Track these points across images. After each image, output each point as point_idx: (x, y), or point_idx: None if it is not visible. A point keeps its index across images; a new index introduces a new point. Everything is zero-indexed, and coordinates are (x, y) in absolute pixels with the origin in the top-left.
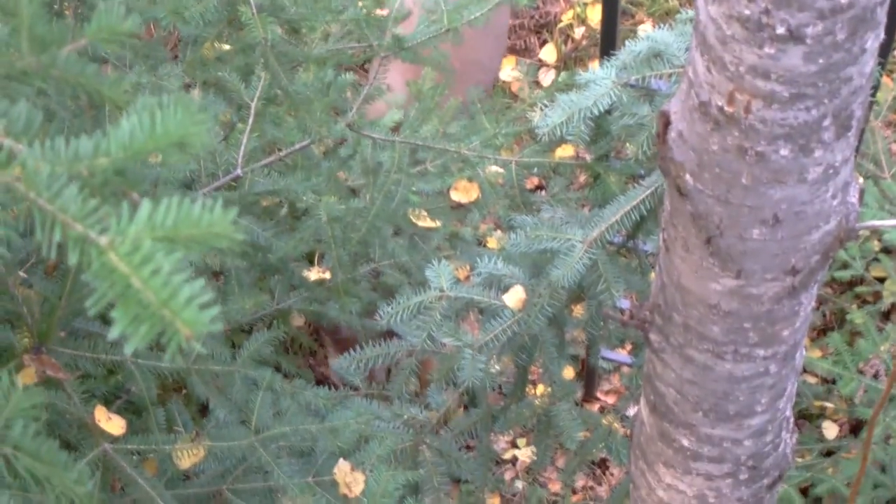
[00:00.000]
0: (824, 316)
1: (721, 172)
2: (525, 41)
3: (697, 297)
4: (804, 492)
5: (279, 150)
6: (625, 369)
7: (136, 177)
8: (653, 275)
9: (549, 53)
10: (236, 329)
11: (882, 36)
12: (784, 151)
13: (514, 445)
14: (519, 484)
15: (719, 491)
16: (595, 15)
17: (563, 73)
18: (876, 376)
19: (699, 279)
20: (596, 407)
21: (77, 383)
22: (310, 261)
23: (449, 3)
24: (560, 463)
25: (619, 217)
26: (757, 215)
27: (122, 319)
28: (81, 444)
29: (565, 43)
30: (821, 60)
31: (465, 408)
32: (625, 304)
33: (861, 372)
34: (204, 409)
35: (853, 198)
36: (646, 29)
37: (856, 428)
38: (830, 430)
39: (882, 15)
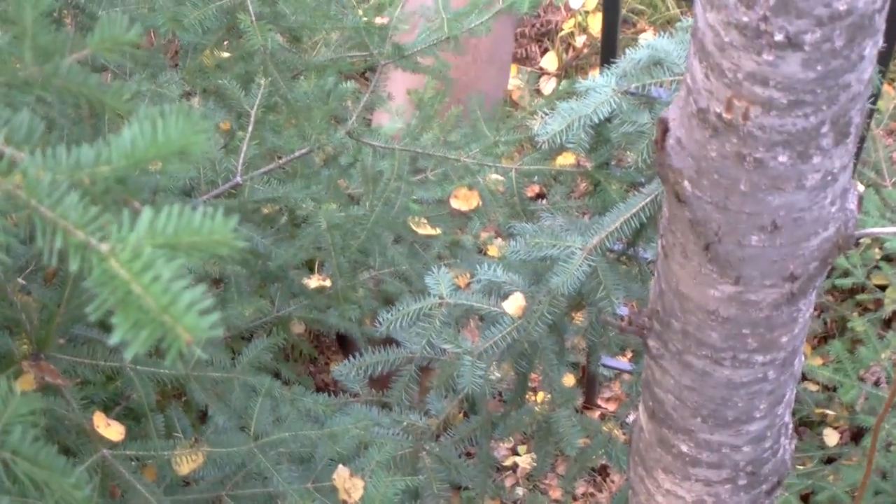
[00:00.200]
0: (825, 323)
1: (719, 179)
2: (526, 49)
3: (696, 304)
4: (805, 499)
5: (279, 157)
6: (625, 376)
7: (136, 185)
8: (652, 282)
9: (550, 62)
10: (236, 336)
11: (881, 43)
12: (782, 158)
13: (515, 452)
14: (519, 491)
15: (718, 496)
16: (596, 24)
17: (563, 82)
18: (877, 384)
19: (698, 285)
20: (597, 414)
21: (76, 389)
22: (310, 268)
23: (450, 12)
24: (560, 470)
25: (618, 224)
26: (755, 222)
27: (123, 325)
28: (80, 450)
29: (566, 51)
30: (819, 67)
31: (465, 414)
32: (624, 311)
33: (862, 379)
34: (203, 416)
35: (852, 204)
36: (647, 37)
37: (857, 435)
38: (831, 437)
39: (880, 22)
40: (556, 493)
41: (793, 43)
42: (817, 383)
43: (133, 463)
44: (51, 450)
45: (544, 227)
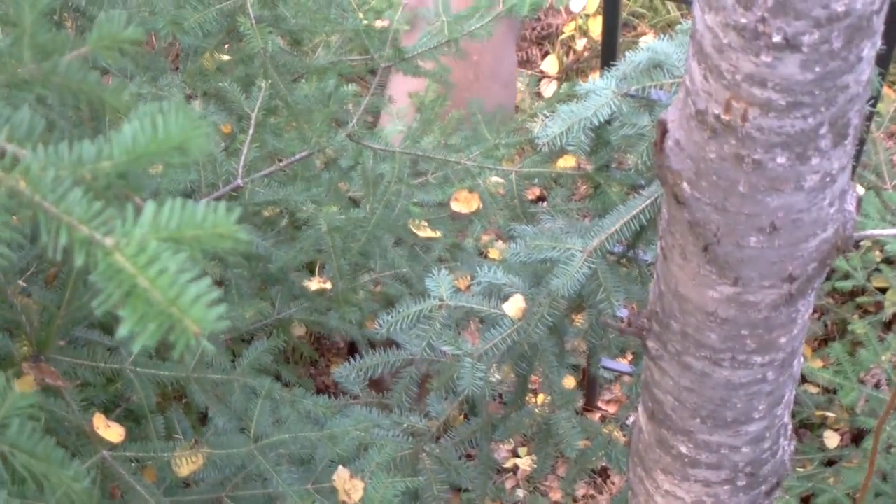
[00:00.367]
0: (826, 326)
1: (718, 180)
2: (527, 53)
3: (695, 305)
4: (805, 501)
5: (280, 160)
6: (625, 378)
7: (138, 180)
8: (651, 283)
9: (550, 65)
10: (237, 338)
11: (879, 45)
12: (781, 159)
13: (515, 454)
14: (520, 492)
15: (717, 497)
16: (596, 27)
17: (564, 85)
18: (877, 386)
19: (697, 287)
20: (597, 416)
21: (76, 391)
22: (310, 271)
23: (450, 15)
24: (561, 471)
25: (618, 227)
26: (754, 223)
27: (130, 319)
28: (80, 451)
29: (567, 54)
30: (817, 69)
31: (466, 416)
32: (624, 313)
33: (862, 382)
34: (203, 418)
35: (850, 206)
36: (647, 40)
37: (857, 437)
38: (831, 439)
39: (879, 24)
40: (556, 495)
41: (791, 44)
42: (817, 385)
43: (133, 464)
44: (49, 442)
45: (544, 230)
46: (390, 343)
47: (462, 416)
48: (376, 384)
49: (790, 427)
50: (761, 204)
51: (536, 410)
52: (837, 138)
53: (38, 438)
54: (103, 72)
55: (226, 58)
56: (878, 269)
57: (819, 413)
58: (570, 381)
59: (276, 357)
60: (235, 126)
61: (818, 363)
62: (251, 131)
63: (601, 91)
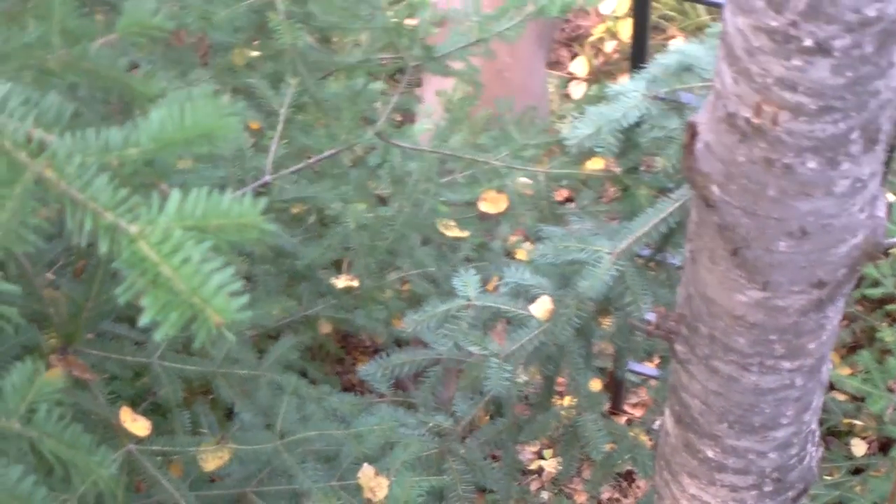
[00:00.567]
0: (854, 333)
1: (748, 184)
2: (556, 54)
3: (723, 309)
4: None
5: (308, 157)
6: (652, 382)
7: (165, 168)
8: (679, 286)
9: (579, 66)
10: (263, 335)
11: None
12: (811, 164)
13: (540, 456)
14: (545, 495)
15: (744, 503)
16: (626, 29)
17: (593, 86)
18: None
19: (725, 290)
20: (623, 419)
21: (103, 384)
22: (337, 268)
23: (480, 15)
24: (586, 474)
25: (647, 229)
26: (784, 227)
27: (153, 307)
28: (106, 444)
29: (596, 56)
30: (848, 73)
31: (491, 417)
32: (652, 317)
33: (890, 390)
34: (229, 413)
35: (881, 212)
36: (677, 43)
37: (885, 446)
38: (859, 447)
39: None
40: (581, 498)
41: (822, 48)
42: (845, 393)
43: (159, 458)
44: (76, 428)
45: (572, 231)
46: (417, 342)
47: (488, 417)
48: (400, 382)
49: (818, 434)
50: (791, 208)
51: (562, 412)
52: (868, 144)
53: (65, 424)
54: (132, 66)
55: (255, 54)
56: None
57: (846, 421)
58: (596, 384)
59: (303, 354)
60: (264, 123)
61: (846, 370)
62: (280, 128)
63: (630, 93)
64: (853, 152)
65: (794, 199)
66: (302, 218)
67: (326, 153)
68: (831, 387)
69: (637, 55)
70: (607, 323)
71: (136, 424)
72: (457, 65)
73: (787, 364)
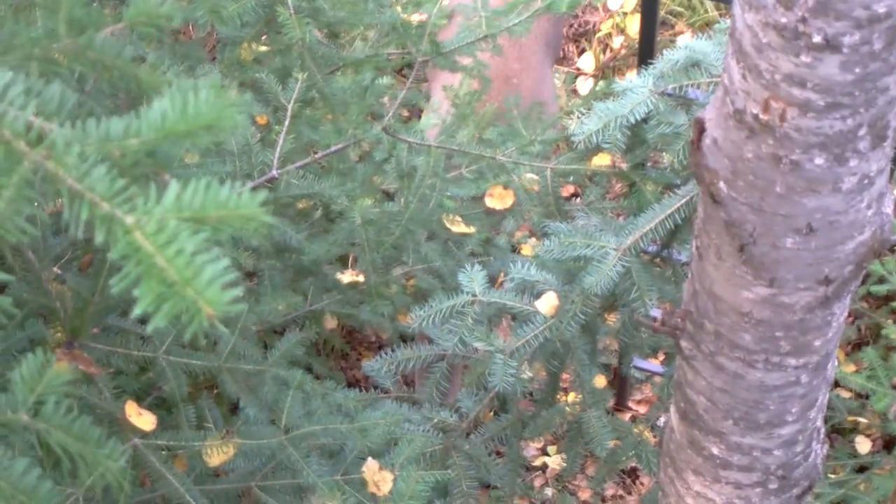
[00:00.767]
0: (859, 330)
1: (755, 180)
2: (563, 50)
3: (729, 305)
4: None
5: (315, 152)
6: (657, 379)
7: (167, 158)
8: (686, 282)
9: (587, 62)
10: (268, 330)
11: None
12: (819, 160)
13: (544, 452)
14: (548, 491)
15: (748, 500)
16: (634, 25)
17: (601, 82)
18: None
19: (731, 287)
20: (627, 416)
21: (109, 379)
22: (343, 264)
23: (488, 10)
24: (590, 471)
25: (653, 225)
26: (791, 224)
27: (146, 298)
28: (112, 438)
29: (604, 52)
30: (857, 70)
31: (496, 413)
32: (657, 313)
33: (895, 387)
34: (234, 408)
35: (888, 209)
36: (685, 39)
37: (889, 443)
38: (863, 445)
39: None
40: (585, 495)
41: (831, 45)
42: (850, 390)
43: (164, 453)
44: (85, 420)
45: (578, 227)
46: (422, 337)
47: (492, 413)
48: (405, 378)
49: (823, 431)
50: (798, 205)
51: (567, 409)
52: (876, 140)
53: (74, 417)
54: (140, 60)
55: (263, 48)
56: None
57: (851, 418)
58: (601, 381)
59: (308, 349)
60: (271, 117)
61: (851, 368)
62: (287, 123)
63: (638, 89)
64: (861, 149)
65: (801, 195)
66: (308, 213)
67: (333, 148)
68: (836, 384)
69: (645, 51)
70: (612, 319)
71: (142, 419)
72: (464, 60)
73: (792, 361)
